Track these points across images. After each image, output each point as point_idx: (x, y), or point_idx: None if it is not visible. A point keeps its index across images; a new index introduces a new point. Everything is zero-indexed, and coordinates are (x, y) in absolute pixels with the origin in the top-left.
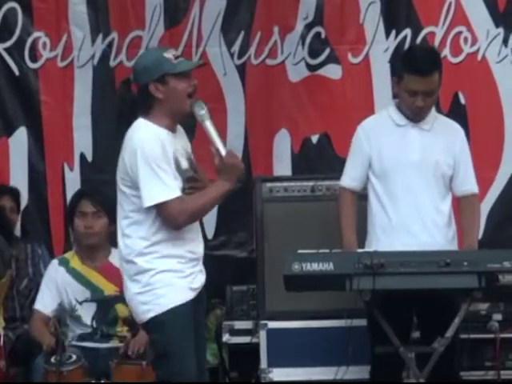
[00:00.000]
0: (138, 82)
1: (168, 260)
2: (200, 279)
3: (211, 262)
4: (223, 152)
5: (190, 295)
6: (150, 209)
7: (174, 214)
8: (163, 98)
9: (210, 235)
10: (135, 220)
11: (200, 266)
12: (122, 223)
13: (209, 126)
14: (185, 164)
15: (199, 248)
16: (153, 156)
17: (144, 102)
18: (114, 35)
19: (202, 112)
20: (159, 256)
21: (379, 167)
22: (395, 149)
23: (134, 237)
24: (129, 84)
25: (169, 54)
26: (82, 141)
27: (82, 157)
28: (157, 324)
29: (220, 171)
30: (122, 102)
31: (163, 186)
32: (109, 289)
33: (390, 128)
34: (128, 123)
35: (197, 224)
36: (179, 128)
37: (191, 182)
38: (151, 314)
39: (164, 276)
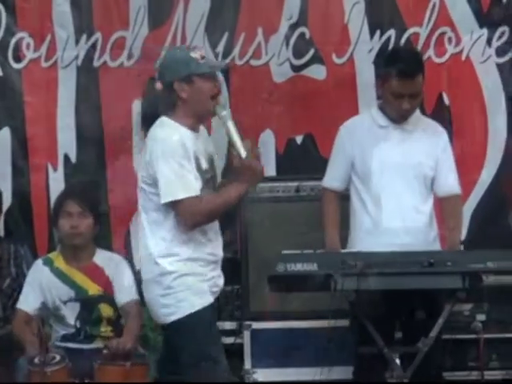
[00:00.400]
0: (163, 80)
1: (190, 263)
2: (219, 283)
3: None
4: (243, 153)
5: (210, 299)
6: (168, 208)
7: (190, 213)
8: (187, 98)
9: None
10: (154, 219)
11: (219, 270)
12: (143, 223)
13: (230, 126)
14: (205, 165)
15: (219, 250)
16: (173, 154)
17: (168, 101)
18: (98, 36)
19: (224, 113)
20: (181, 258)
21: (361, 168)
22: (377, 150)
23: (155, 237)
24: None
25: (196, 54)
26: (66, 141)
27: (66, 157)
28: (179, 328)
29: (239, 172)
30: (145, 100)
31: (181, 184)
32: (93, 289)
33: (373, 129)
34: (151, 121)
35: (216, 225)
36: (202, 128)
37: (210, 183)
38: (173, 318)
39: (186, 279)
